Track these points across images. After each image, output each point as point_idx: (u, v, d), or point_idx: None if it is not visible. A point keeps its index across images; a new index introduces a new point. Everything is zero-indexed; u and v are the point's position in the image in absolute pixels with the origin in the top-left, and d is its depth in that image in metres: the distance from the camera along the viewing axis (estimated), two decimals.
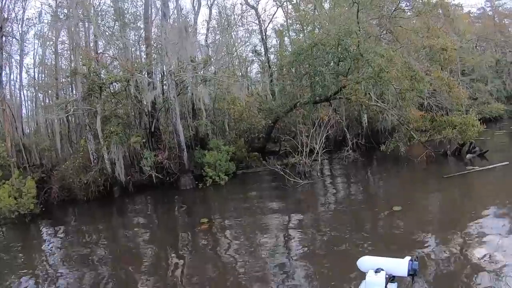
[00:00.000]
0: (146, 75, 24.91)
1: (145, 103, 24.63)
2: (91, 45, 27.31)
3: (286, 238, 14.29)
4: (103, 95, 25.61)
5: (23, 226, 20.13)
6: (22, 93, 35.06)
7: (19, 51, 34.04)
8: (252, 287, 10.47)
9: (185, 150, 25.20)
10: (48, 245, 16.91)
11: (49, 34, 33.08)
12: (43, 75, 35.30)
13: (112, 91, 26.83)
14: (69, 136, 31.41)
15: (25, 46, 33.96)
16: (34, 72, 35.02)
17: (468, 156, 24.96)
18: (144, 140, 25.63)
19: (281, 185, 21.89)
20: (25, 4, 32.77)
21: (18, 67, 34.13)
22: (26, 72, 34.46)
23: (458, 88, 24.56)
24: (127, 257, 13.72)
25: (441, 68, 26.22)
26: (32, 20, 33.47)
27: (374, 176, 24.88)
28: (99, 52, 26.54)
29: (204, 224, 16.56)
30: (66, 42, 30.96)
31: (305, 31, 31.62)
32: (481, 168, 21.22)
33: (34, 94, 35.76)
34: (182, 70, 24.92)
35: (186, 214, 20.25)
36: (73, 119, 30.45)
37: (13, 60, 33.77)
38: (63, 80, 31.79)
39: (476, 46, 45.43)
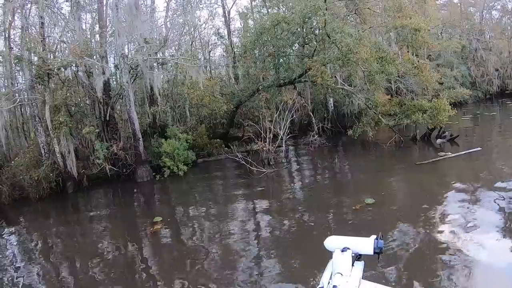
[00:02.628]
0: (100, 60, 22.03)
1: (97, 89, 21.81)
2: (40, 28, 24.12)
3: (249, 230, 13.02)
4: (52, 82, 22.79)
5: None
6: None
7: None
8: (221, 276, 9.68)
9: (141, 139, 22.55)
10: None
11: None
12: None
13: (63, 78, 23.87)
14: (23, 129, 28.43)
15: None
16: None
17: (438, 141, 23.27)
18: (98, 130, 22.86)
19: (243, 175, 19.85)
20: None
21: None
22: None
23: (429, 71, 22.55)
24: (86, 255, 12.18)
25: (412, 50, 24.15)
26: None
27: (342, 163, 22.72)
28: (46, 35, 23.48)
29: (157, 224, 14.23)
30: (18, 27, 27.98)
31: (269, 11, 29.00)
32: (454, 155, 19.46)
33: None
34: (138, 53, 22.27)
35: (142, 209, 18.06)
36: (27, 110, 27.45)
37: None
38: (13, 67, 28.68)
39: (441, 33, 44.07)
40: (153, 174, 22.24)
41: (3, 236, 15.81)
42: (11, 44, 26.26)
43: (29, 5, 23.59)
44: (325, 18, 21.00)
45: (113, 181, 22.08)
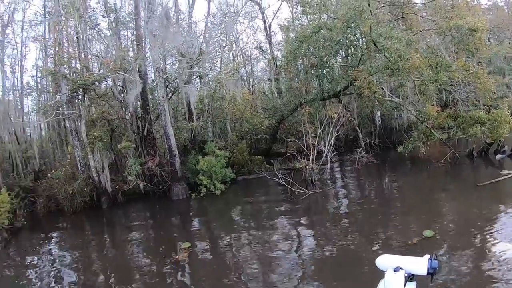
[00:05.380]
0: (134, 74, 20.18)
1: (129, 104, 20.22)
2: (76, 44, 22.69)
3: (290, 253, 11.38)
4: (88, 97, 21.35)
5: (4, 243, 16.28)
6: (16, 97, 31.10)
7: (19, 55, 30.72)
8: None
9: (177, 155, 20.56)
10: (30, 262, 13.52)
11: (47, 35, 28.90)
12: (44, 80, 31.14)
13: (100, 93, 22.35)
14: (66, 143, 27.32)
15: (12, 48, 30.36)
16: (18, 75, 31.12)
17: (498, 156, 19.95)
18: (134, 145, 21.13)
19: (285, 195, 17.44)
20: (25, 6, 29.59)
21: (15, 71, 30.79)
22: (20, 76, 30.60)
23: (486, 78, 19.43)
24: (118, 273, 11.40)
25: (468, 54, 20.98)
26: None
27: (392, 183, 19.29)
28: (82, 50, 22.08)
29: (185, 250, 12.27)
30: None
31: (310, 22, 26.39)
32: None
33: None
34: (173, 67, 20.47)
35: (175, 230, 16.36)
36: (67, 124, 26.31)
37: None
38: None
39: (489, 38, 40.29)
40: (189, 192, 20.23)
41: (41, 246, 15.29)
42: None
43: (70, 23, 22.31)
44: (371, 22, 18.34)
45: (148, 197, 20.54)
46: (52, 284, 11.16)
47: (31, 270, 12.70)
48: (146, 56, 22.01)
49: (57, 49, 21.53)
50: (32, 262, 13.46)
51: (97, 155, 20.06)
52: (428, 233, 10.82)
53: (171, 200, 20.07)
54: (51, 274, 12.03)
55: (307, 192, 16.83)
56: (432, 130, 20.04)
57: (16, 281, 11.68)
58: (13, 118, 29.15)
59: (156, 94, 21.56)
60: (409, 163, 21.81)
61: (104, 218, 19.26)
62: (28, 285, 11.37)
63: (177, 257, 11.83)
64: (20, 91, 30.63)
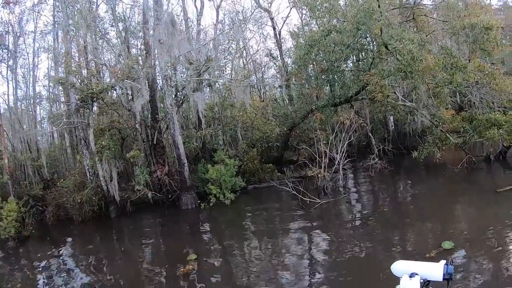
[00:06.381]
0: (141, 82, 19.67)
1: (136, 112, 19.74)
2: (83, 53, 22.30)
3: (302, 267, 10.80)
4: (97, 105, 21.03)
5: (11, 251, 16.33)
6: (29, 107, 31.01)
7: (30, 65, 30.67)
8: None
9: (186, 164, 19.90)
10: (37, 271, 13.39)
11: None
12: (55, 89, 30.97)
13: (108, 102, 21.90)
14: (77, 151, 27.00)
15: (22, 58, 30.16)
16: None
17: None
18: (143, 154, 20.63)
19: (296, 204, 16.74)
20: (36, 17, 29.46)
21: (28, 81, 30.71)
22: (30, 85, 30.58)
23: (503, 79, 18.51)
24: (125, 284, 11.26)
25: (483, 54, 20.05)
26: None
27: (408, 191, 18.57)
28: (90, 59, 21.68)
29: (190, 262, 11.68)
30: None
31: (318, 22, 25.51)
32: None
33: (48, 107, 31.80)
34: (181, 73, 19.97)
35: (183, 241, 15.34)
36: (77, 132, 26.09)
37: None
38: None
39: (501, 38, 39.15)
40: (198, 201, 19.54)
41: (48, 255, 15.05)
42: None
43: (80, 32, 22.01)
44: (381, 23, 17.57)
45: (157, 207, 19.99)
46: None
47: (39, 279, 12.50)
48: (155, 64, 21.58)
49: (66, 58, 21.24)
50: (39, 271, 13.21)
51: (105, 164, 19.61)
52: (447, 244, 10.04)
53: (180, 209, 19.41)
54: (58, 284, 11.74)
55: (319, 201, 16.09)
56: (447, 134, 19.09)
57: None
58: (26, 126, 29.29)
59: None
60: (424, 169, 20.93)
61: (112, 228, 18.85)
62: None
63: (183, 269, 11.26)
64: (32, 100, 30.69)
